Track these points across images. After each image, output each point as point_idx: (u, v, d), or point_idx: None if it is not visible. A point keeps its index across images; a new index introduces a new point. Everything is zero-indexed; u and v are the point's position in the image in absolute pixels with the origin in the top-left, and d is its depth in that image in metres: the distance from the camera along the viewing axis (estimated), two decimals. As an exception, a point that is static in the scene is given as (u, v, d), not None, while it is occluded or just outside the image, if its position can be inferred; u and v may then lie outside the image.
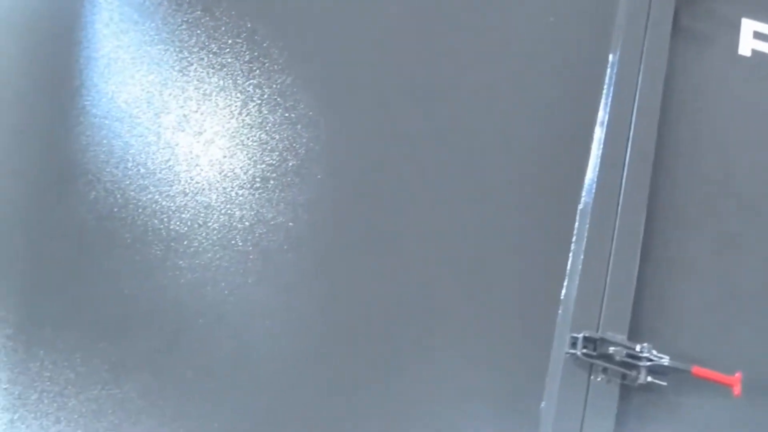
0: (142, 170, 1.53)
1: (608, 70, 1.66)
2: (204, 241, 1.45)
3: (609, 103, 1.60)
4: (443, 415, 1.32)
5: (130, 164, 1.54)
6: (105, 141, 1.56)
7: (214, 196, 1.51)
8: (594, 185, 1.50)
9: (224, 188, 1.52)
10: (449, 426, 1.31)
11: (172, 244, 1.44)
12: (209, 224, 1.47)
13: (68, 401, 1.30)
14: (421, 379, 1.34)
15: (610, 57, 1.68)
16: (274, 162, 1.55)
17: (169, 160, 1.55)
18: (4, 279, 1.49)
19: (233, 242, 1.45)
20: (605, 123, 1.58)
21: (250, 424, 1.28)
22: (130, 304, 1.38)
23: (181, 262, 1.42)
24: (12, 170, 1.61)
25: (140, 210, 1.48)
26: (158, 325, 1.36)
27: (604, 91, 1.63)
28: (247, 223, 1.47)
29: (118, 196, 1.50)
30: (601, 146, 1.55)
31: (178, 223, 1.47)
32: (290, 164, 1.55)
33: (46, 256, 1.46)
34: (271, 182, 1.53)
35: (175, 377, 1.31)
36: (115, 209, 1.48)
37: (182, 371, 1.32)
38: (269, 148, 1.57)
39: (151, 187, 1.51)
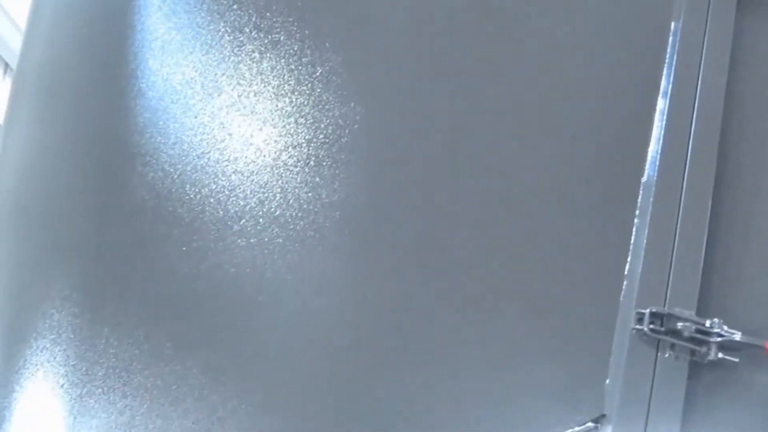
0: (198, 151, 1.54)
1: (670, 39, 1.60)
2: (261, 219, 1.46)
3: (672, 73, 1.54)
4: (504, 393, 1.30)
5: (185, 145, 1.55)
6: (161, 122, 1.58)
7: (269, 176, 1.51)
8: (658, 158, 1.45)
9: (279, 167, 1.52)
10: (510, 405, 1.30)
11: (229, 223, 1.45)
12: (265, 203, 1.47)
13: (133, 377, 1.32)
14: (480, 358, 1.32)
15: (672, 25, 1.61)
16: (327, 140, 1.55)
17: (224, 140, 1.56)
18: (68, 260, 1.53)
19: (290, 220, 1.45)
20: (669, 93, 1.52)
21: (307, 400, 1.28)
22: (191, 282, 1.39)
23: (239, 241, 1.43)
24: (73, 153, 1.64)
25: (197, 190, 1.49)
26: (218, 303, 1.38)
27: (667, 61, 1.57)
28: (302, 202, 1.47)
29: (176, 176, 1.51)
30: (665, 117, 1.49)
31: (234, 202, 1.48)
32: (344, 142, 1.54)
33: (108, 236, 1.49)
34: (326, 161, 1.52)
35: (235, 354, 1.32)
36: (173, 189, 1.50)
37: (242, 348, 1.33)
38: (323, 126, 1.57)
39: (207, 168, 1.52)
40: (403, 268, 1.40)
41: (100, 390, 1.31)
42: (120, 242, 1.48)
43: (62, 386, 1.34)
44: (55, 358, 1.38)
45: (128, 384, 1.32)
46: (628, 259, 1.35)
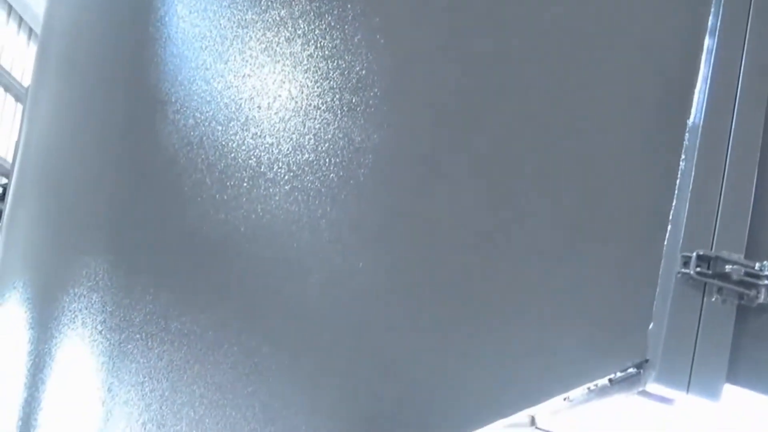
0: (229, 98, 1.52)
1: (719, -27, 1.52)
2: (294, 166, 1.44)
3: (720, 9, 1.47)
4: (544, 340, 1.28)
5: (216, 92, 1.53)
6: (191, 70, 1.56)
7: (301, 122, 1.48)
8: (705, 98, 1.39)
9: (311, 113, 1.49)
10: (550, 351, 1.28)
11: (263, 169, 1.44)
12: (298, 150, 1.45)
13: (171, 323, 1.33)
14: (519, 306, 1.30)
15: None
16: (360, 85, 1.51)
17: (255, 86, 1.53)
18: (103, 208, 1.53)
19: (324, 167, 1.43)
20: (717, 30, 1.45)
21: (344, 344, 1.28)
22: (226, 228, 1.39)
23: (273, 188, 1.42)
24: (102, 104, 1.64)
25: (229, 137, 1.48)
26: (253, 249, 1.37)
27: (714, -4, 1.50)
28: (336, 148, 1.44)
29: (207, 124, 1.50)
30: (712, 55, 1.43)
31: (267, 149, 1.46)
32: (377, 86, 1.51)
33: (142, 183, 1.48)
34: (359, 106, 1.49)
35: (272, 299, 1.32)
36: (205, 137, 1.49)
37: (278, 293, 1.32)
38: (355, 71, 1.53)
39: (239, 115, 1.50)
40: (438, 214, 1.38)
41: (139, 335, 1.32)
42: (154, 191, 1.47)
43: (101, 332, 1.35)
44: (92, 305, 1.39)
45: (166, 330, 1.33)
46: (673, 203, 1.31)
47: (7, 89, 8.51)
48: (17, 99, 8.43)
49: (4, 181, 1.97)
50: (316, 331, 1.28)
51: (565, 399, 1.76)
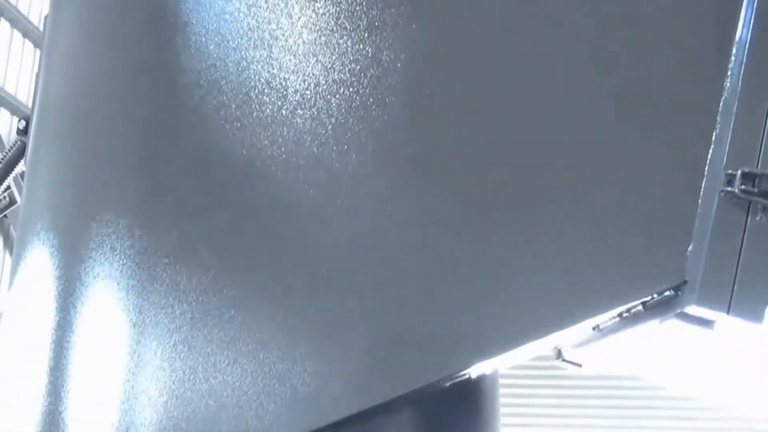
0: (251, 19, 1.47)
1: None
2: (321, 87, 1.39)
3: None
4: (580, 261, 1.25)
5: (239, 14, 1.48)
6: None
7: (328, 42, 1.43)
8: (752, 14, 1.32)
9: (339, 33, 1.44)
10: (586, 272, 1.24)
11: (288, 91, 1.40)
12: (326, 71, 1.40)
13: (199, 246, 1.32)
14: (555, 225, 1.26)
15: None
16: (387, 3, 1.45)
17: (279, 6, 1.47)
18: (128, 135, 1.50)
19: (351, 88, 1.38)
20: (767, -61, 1.37)
21: (368, 269, 1.25)
22: (251, 151, 1.35)
23: (299, 110, 1.37)
24: (121, 41, 1.58)
25: (254, 58, 1.43)
26: (278, 173, 1.34)
27: None
28: (364, 68, 1.39)
29: (230, 46, 1.45)
30: (762, -32, 1.35)
31: (294, 70, 1.41)
32: (402, 8, 1.44)
33: (165, 107, 1.45)
34: (386, 26, 1.43)
35: (296, 222, 1.29)
36: (228, 59, 1.44)
37: (303, 217, 1.29)
38: None
39: (264, 36, 1.45)
40: (475, 134, 1.33)
41: (167, 259, 1.31)
42: (178, 114, 1.44)
43: (129, 256, 1.34)
44: (120, 230, 1.38)
45: (194, 253, 1.32)
46: (718, 118, 1.26)
47: (25, 35, 8.47)
48: (35, 45, 8.40)
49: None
50: (344, 254, 1.26)
51: (594, 329, 1.74)
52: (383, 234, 1.26)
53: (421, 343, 1.20)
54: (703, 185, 1.20)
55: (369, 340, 1.20)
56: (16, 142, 2.18)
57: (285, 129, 1.37)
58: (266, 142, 1.35)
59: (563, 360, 2.30)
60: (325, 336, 1.22)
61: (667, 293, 1.23)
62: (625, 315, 1.51)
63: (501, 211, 1.26)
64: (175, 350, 1.24)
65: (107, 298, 1.31)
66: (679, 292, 1.19)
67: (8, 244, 7.89)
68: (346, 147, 1.33)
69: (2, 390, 1.43)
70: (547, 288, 1.22)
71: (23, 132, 2.13)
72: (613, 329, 1.63)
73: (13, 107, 8.40)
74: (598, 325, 1.74)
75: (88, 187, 1.47)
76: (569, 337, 1.63)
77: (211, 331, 1.23)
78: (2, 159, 2.28)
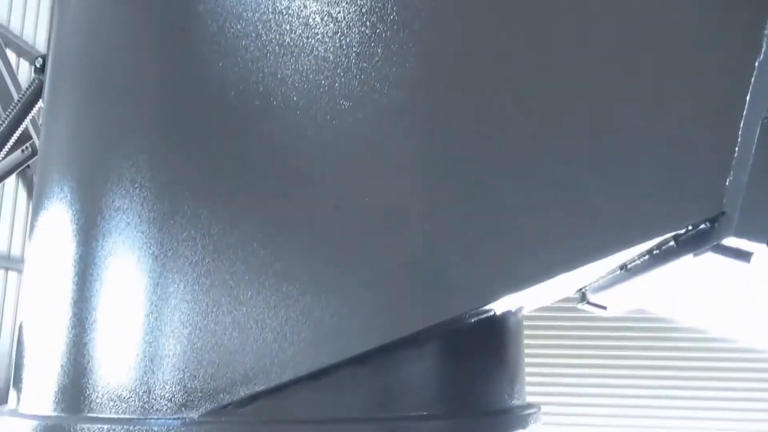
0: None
1: None
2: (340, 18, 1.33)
3: None
4: (612, 189, 1.20)
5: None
6: None
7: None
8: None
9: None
10: (618, 207, 1.20)
11: (309, 23, 1.34)
12: (343, 24, 1.34)
13: (216, 183, 1.29)
14: (586, 153, 1.22)
15: None
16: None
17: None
18: (141, 83, 1.45)
19: (370, 19, 1.32)
20: None
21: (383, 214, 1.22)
22: (267, 85, 1.31)
23: (318, 46, 1.32)
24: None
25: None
26: (294, 109, 1.29)
27: None
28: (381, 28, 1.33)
29: None
30: None
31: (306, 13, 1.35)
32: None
33: (181, 42, 1.41)
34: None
35: (309, 163, 1.26)
36: None
37: (316, 158, 1.25)
38: None
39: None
40: (499, 61, 1.27)
41: (186, 192, 1.29)
42: (192, 50, 1.39)
43: (148, 192, 1.32)
44: (139, 165, 1.35)
45: (211, 189, 1.29)
46: (762, 44, 1.19)
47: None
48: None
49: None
50: (369, 184, 1.23)
51: (622, 268, 1.71)
52: (409, 163, 1.22)
53: (446, 275, 1.17)
54: (744, 112, 1.15)
55: (393, 272, 1.18)
56: (33, 80, 2.15)
57: (307, 58, 1.32)
58: (288, 71, 1.31)
59: (588, 303, 2.28)
60: (349, 268, 1.20)
61: (702, 226, 1.19)
62: (655, 252, 1.48)
63: (531, 139, 1.21)
64: (198, 283, 1.22)
65: (129, 232, 1.30)
66: (716, 224, 1.15)
67: (32, 195, 7.97)
68: (370, 76, 1.29)
69: (30, 326, 1.44)
70: (577, 219, 1.18)
71: (40, 70, 2.10)
72: (642, 268, 1.59)
73: (19, 48, 8.34)
74: (626, 265, 1.71)
75: (107, 123, 1.44)
76: (598, 271, 1.60)
77: (233, 264, 1.22)
78: (19, 99, 2.26)
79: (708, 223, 1.17)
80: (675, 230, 1.18)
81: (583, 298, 2.25)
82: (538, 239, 1.17)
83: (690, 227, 1.18)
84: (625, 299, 2.10)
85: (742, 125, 1.15)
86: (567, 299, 2.28)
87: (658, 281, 1.75)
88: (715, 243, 1.14)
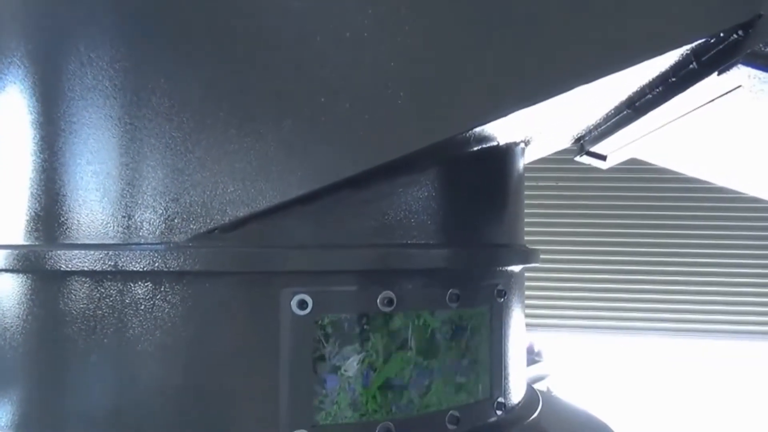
0: None
1: None
2: None
3: None
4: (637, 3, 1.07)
5: None
6: None
7: None
8: None
9: None
10: (644, 22, 1.08)
11: None
12: None
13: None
14: None
15: None
16: None
17: None
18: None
19: None
20: None
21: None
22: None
23: None
24: None
25: None
26: None
27: None
28: None
29: None
30: None
31: None
32: None
33: None
34: None
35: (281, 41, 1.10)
36: None
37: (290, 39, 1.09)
38: None
39: None
40: None
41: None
42: None
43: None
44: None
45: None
46: None
47: None
48: None
49: None
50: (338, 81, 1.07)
51: (630, 107, 1.60)
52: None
53: (449, 86, 1.06)
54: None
55: (383, 86, 1.05)
56: None
57: None
58: None
59: (586, 154, 2.19)
60: (339, 87, 1.07)
61: (732, 37, 1.08)
62: (672, 80, 1.37)
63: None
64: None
65: (99, 102, 1.14)
66: (750, 30, 1.04)
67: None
68: None
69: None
70: (601, 21, 1.05)
71: None
72: (653, 102, 1.49)
73: None
74: (634, 102, 1.60)
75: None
76: (607, 102, 1.50)
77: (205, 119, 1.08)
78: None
79: (741, 32, 1.06)
80: (707, 34, 1.07)
81: (581, 150, 2.17)
82: (551, 45, 1.05)
83: (721, 34, 1.06)
84: (625, 147, 2.01)
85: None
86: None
87: (663, 122, 1.65)
88: (749, 50, 1.03)
